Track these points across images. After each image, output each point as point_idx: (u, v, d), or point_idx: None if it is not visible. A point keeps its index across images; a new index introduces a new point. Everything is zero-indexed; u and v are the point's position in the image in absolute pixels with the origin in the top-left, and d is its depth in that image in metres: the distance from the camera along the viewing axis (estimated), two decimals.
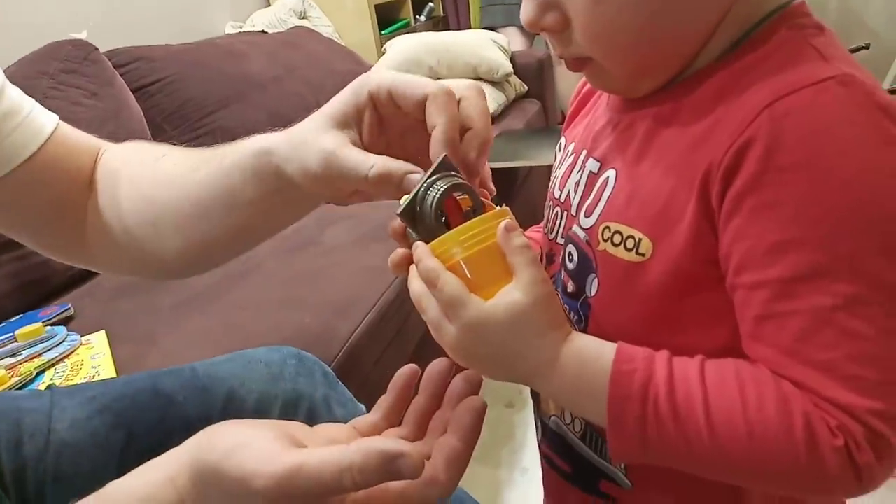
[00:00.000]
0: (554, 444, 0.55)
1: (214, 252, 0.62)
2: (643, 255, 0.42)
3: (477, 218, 0.43)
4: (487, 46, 2.26)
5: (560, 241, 0.51)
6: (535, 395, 0.57)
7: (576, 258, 0.48)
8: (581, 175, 0.50)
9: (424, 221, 0.45)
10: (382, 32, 3.01)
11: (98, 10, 1.94)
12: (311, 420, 0.68)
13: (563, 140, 0.57)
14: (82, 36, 1.67)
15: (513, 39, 2.63)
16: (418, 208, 0.45)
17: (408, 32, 2.94)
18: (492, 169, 1.86)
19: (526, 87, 2.41)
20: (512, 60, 2.32)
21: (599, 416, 0.41)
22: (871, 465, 0.36)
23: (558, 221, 0.52)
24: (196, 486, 0.43)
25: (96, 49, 1.60)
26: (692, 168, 0.40)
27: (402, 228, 0.47)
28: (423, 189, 0.44)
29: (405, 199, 0.45)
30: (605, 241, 0.45)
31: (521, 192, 1.97)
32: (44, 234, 0.66)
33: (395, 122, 0.49)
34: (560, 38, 0.44)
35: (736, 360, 0.40)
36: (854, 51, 1.80)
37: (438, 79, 2.14)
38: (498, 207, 0.45)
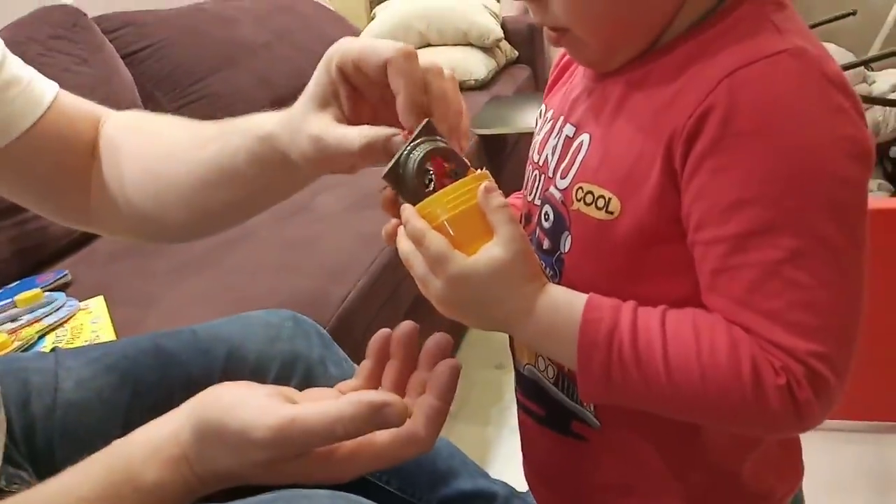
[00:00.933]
0: (528, 391, 0.58)
1: (216, 222, 0.64)
2: (612, 213, 0.46)
3: (459, 181, 0.47)
4: (478, 11, 2.25)
5: (537, 202, 0.54)
6: (513, 347, 0.61)
7: (551, 217, 0.51)
8: (558, 140, 0.53)
9: (407, 184, 0.47)
10: None
11: None
12: (308, 378, 0.71)
13: (543, 107, 0.60)
14: (69, 1, 1.66)
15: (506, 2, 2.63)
16: (401, 171, 0.48)
17: None
18: (481, 136, 1.89)
19: (516, 53, 2.41)
20: (503, 26, 2.31)
21: (570, 360, 0.45)
22: (810, 401, 0.40)
23: (536, 184, 0.55)
24: (198, 440, 0.46)
25: (85, 15, 1.59)
26: (658, 132, 0.44)
27: (393, 197, 0.50)
28: (405, 153, 0.47)
29: (390, 164, 0.48)
30: (578, 200, 0.48)
31: (512, 158, 1.98)
32: (47, 200, 0.68)
33: (372, 90, 0.51)
34: (540, 6, 0.47)
35: (695, 309, 0.44)
36: (840, 17, 1.80)
37: (429, 45, 2.13)
38: (478, 171, 0.48)
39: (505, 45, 2.35)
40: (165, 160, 0.61)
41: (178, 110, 1.76)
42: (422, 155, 0.47)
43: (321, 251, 1.21)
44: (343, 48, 0.50)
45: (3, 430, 0.59)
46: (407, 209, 0.46)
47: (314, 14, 2.37)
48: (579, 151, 0.50)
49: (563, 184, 0.50)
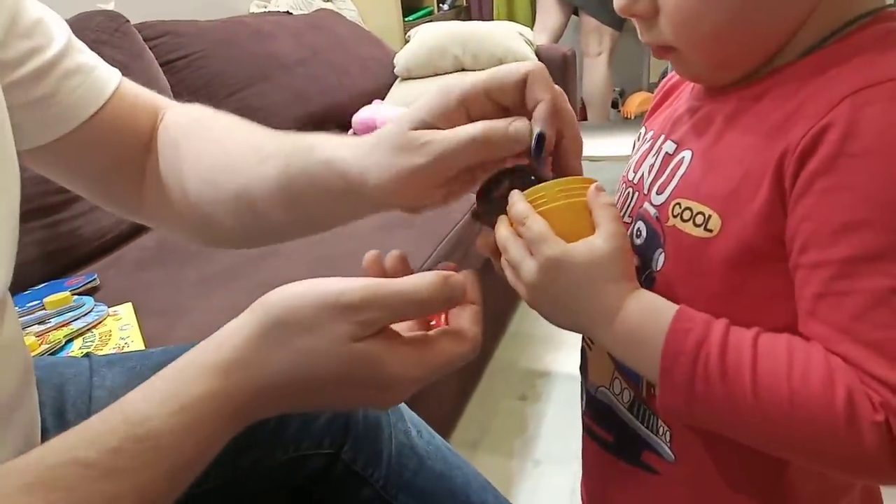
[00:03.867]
0: (598, 414, 0.56)
1: (269, 237, 0.62)
2: (711, 231, 0.44)
3: (571, 177, 0.47)
4: (513, 38, 2.25)
5: (627, 219, 0.53)
6: (584, 369, 0.59)
7: (644, 234, 0.50)
8: (657, 158, 0.51)
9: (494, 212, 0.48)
10: (406, 19, 3.01)
11: None
12: None
13: (643, 130, 0.59)
14: (110, 6, 1.67)
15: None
16: (491, 197, 0.48)
17: (430, 20, 2.94)
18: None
19: None
20: (537, 54, 2.31)
21: (652, 368, 0.43)
22: None
23: (629, 201, 0.53)
24: (256, 339, 0.42)
25: (127, 21, 1.60)
26: (768, 151, 0.42)
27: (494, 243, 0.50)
28: (494, 181, 0.49)
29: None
30: (675, 216, 0.47)
31: None
32: (100, 190, 0.66)
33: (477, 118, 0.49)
34: (647, 24, 0.46)
35: (791, 335, 0.41)
36: None
37: (463, 69, 2.12)
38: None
39: None
40: (224, 171, 0.59)
41: None
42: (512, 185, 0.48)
43: (352, 270, 1.19)
44: (469, 80, 0.48)
45: (38, 432, 0.57)
46: (515, 193, 0.46)
47: (349, 33, 2.38)
48: (679, 167, 0.48)
49: (659, 199, 0.49)
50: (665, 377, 0.42)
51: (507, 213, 0.47)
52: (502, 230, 0.47)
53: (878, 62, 0.40)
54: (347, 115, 2.00)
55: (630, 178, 0.54)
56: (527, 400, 1.53)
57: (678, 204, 0.47)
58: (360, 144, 0.51)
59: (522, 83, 0.47)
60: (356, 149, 0.51)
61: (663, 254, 0.48)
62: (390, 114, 1.96)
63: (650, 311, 0.44)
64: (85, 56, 0.61)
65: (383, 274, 0.53)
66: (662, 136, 0.52)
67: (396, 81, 2.26)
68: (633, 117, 3.38)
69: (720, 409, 0.41)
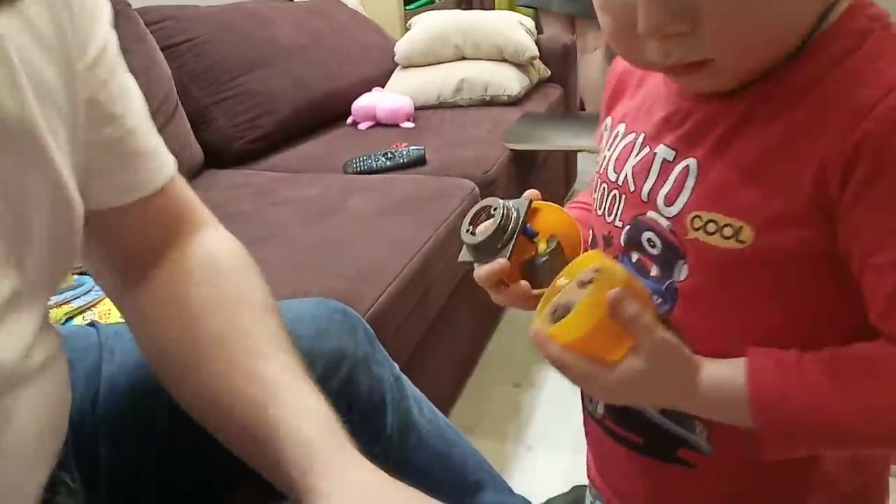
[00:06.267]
0: (624, 420, 0.56)
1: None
2: (743, 242, 0.44)
3: (576, 264, 0.49)
4: (514, 28, 2.25)
5: (618, 223, 0.52)
6: None
7: (659, 245, 0.49)
8: (651, 162, 0.50)
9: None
10: (407, 7, 3.01)
11: None
12: (351, 379, 0.70)
13: (609, 120, 0.58)
14: None
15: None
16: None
17: (431, 9, 2.94)
18: (513, 150, 1.89)
19: (549, 72, 2.40)
20: (537, 44, 2.31)
21: (744, 423, 0.46)
22: None
23: (617, 205, 0.53)
24: None
25: (129, 5, 1.61)
26: (798, 159, 0.42)
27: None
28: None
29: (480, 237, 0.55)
30: (697, 230, 0.46)
31: (541, 174, 1.98)
32: (102, 271, 0.62)
33: None
34: (680, 42, 0.42)
35: (860, 345, 0.44)
36: None
37: (464, 58, 2.12)
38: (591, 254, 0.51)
39: (539, 63, 2.35)
40: (211, 361, 0.54)
41: (214, 105, 1.76)
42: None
43: (352, 253, 1.20)
44: None
45: (67, 409, 0.54)
46: (539, 334, 0.46)
47: (349, 20, 2.38)
48: (686, 177, 0.47)
49: (670, 211, 0.48)
50: (767, 441, 0.45)
51: (494, 252, 0.53)
52: (553, 353, 0.46)
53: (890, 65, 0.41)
54: (347, 102, 2.01)
55: (612, 179, 0.54)
56: (520, 387, 1.54)
57: (698, 217, 0.46)
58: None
59: None
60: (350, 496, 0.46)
61: (686, 265, 0.48)
62: (390, 103, 1.97)
63: (722, 382, 0.46)
64: (152, 142, 0.59)
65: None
66: (643, 136, 0.51)
67: (397, 69, 2.26)
68: None
69: (823, 442, 0.45)
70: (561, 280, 0.48)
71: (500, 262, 0.53)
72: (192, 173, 1.64)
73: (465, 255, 0.57)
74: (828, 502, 0.52)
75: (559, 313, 0.46)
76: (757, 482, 0.51)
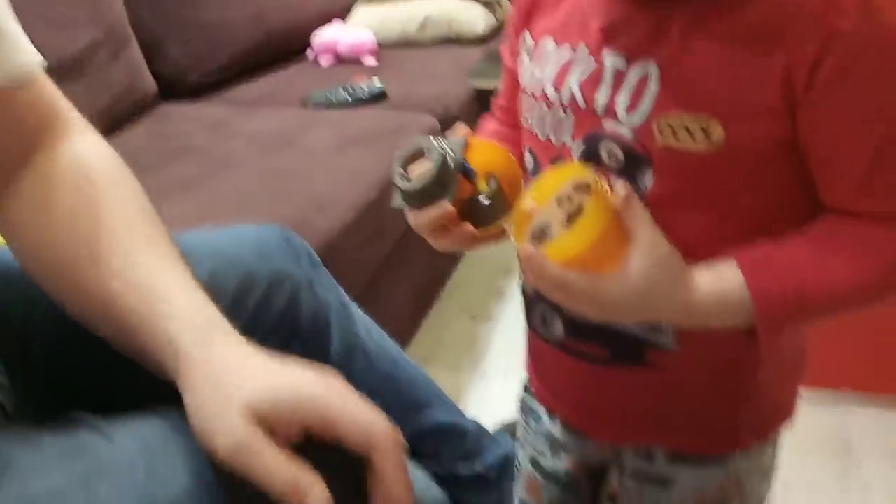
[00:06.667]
0: (584, 336, 0.56)
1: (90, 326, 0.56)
2: (714, 142, 0.45)
3: (561, 177, 0.47)
4: None
5: (570, 143, 0.51)
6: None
7: (620, 156, 0.49)
8: (601, 73, 0.49)
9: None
10: None
11: None
12: (294, 300, 0.71)
13: (526, 35, 0.55)
14: None
15: None
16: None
17: None
18: (477, 89, 1.88)
19: None
20: None
21: (744, 325, 0.48)
22: None
23: (564, 124, 0.51)
24: None
25: None
26: (765, 58, 0.43)
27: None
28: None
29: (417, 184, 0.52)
30: (666, 136, 0.46)
31: None
32: None
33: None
34: None
35: (827, 226, 0.48)
36: None
37: None
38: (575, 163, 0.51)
39: (505, 2, 2.31)
40: (79, 264, 0.53)
41: (168, 36, 1.70)
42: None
43: (308, 184, 1.20)
44: (319, 401, 0.46)
45: None
46: (534, 257, 0.45)
47: None
48: (647, 83, 0.47)
49: (633, 121, 0.47)
50: (768, 328, 0.47)
51: (434, 197, 0.51)
52: (553, 273, 0.45)
53: None
54: (307, 34, 1.96)
55: (552, 97, 0.52)
56: (476, 319, 1.58)
57: (667, 123, 0.46)
58: (210, 383, 0.46)
59: (367, 453, 0.44)
60: (204, 378, 0.46)
61: (652, 174, 0.48)
62: (353, 37, 1.93)
63: (716, 290, 0.47)
64: (11, 24, 0.55)
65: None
66: (586, 49, 0.50)
67: (358, 2, 2.21)
68: None
69: (822, 312, 0.48)
70: (529, 204, 0.47)
71: (444, 206, 0.51)
72: (145, 105, 1.60)
73: (399, 201, 0.54)
74: (774, 370, 0.56)
75: (541, 236, 0.46)
76: (716, 369, 0.55)
